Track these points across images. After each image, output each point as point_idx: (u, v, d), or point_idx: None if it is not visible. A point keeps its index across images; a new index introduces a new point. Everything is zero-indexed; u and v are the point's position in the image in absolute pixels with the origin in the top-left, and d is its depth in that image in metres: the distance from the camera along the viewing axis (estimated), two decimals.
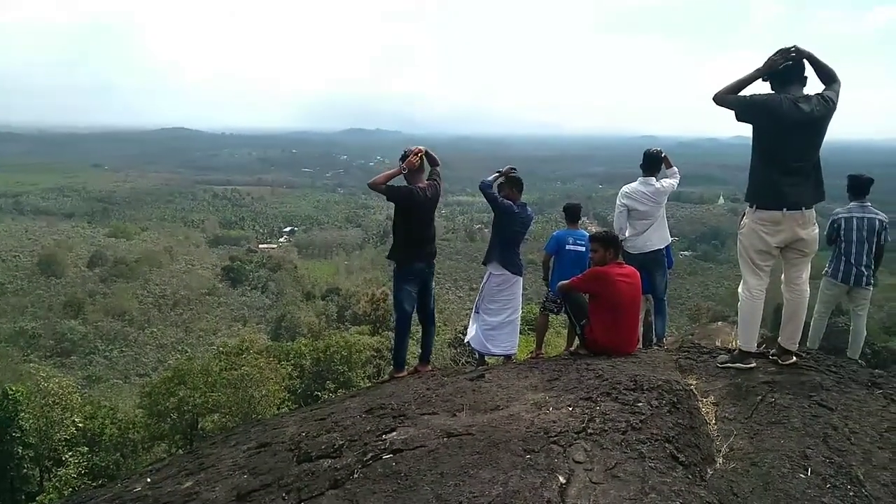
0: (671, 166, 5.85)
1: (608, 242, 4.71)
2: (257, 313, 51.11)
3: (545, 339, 6.51)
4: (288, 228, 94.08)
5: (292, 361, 15.63)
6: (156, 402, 13.23)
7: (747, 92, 3.79)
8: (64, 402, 13.30)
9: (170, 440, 13.40)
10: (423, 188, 5.01)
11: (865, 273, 5.40)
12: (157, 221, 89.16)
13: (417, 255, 5.08)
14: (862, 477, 2.46)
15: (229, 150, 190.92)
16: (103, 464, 12.74)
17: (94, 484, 10.18)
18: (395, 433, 3.01)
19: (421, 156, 5.07)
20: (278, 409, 12.59)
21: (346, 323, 34.56)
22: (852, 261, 5.40)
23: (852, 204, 5.43)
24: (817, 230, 3.87)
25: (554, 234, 6.21)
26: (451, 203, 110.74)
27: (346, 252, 79.40)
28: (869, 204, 5.43)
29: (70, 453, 12.50)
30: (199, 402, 12.73)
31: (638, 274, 4.85)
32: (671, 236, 6.41)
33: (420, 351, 5.54)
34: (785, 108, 3.61)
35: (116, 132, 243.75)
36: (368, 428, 3.16)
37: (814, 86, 3.77)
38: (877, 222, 5.38)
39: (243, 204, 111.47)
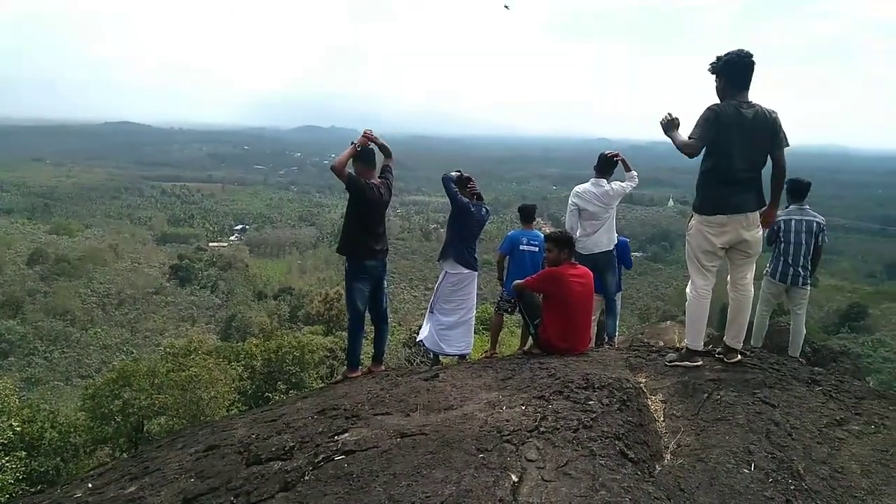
0: (630, 170, 5.96)
1: (563, 243, 4.76)
2: (206, 313, 49.89)
3: (500, 338, 6.56)
4: (239, 226, 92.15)
5: (243, 362, 15.32)
6: (99, 405, 12.78)
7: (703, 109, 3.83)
8: (0, 406, 12.71)
9: (114, 444, 12.96)
10: (376, 185, 4.98)
11: (802, 273, 5.64)
12: (101, 218, 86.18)
13: (369, 251, 5.03)
14: (802, 471, 2.55)
15: (179, 145, 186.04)
16: (43, 469, 12.22)
17: (32, 490, 9.75)
18: (347, 434, 2.97)
19: (372, 139, 5.04)
20: (228, 410, 12.31)
21: (298, 323, 34.07)
22: (790, 261, 5.64)
23: (792, 206, 5.66)
24: (761, 232, 3.99)
25: (508, 234, 6.26)
26: (407, 202, 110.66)
27: (300, 251, 78.30)
28: (807, 207, 5.67)
29: (7, 458, 11.94)
30: (145, 405, 12.35)
31: (591, 274, 4.92)
32: (624, 237, 6.56)
33: (373, 351, 5.49)
34: (730, 114, 3.70)
35: (59, 126, 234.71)
36: (320, 429, 3.11)
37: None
38: (815, 224, 5.62)
39: (193, 201, 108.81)
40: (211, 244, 77.84)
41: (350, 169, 4.91)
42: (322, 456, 2.71)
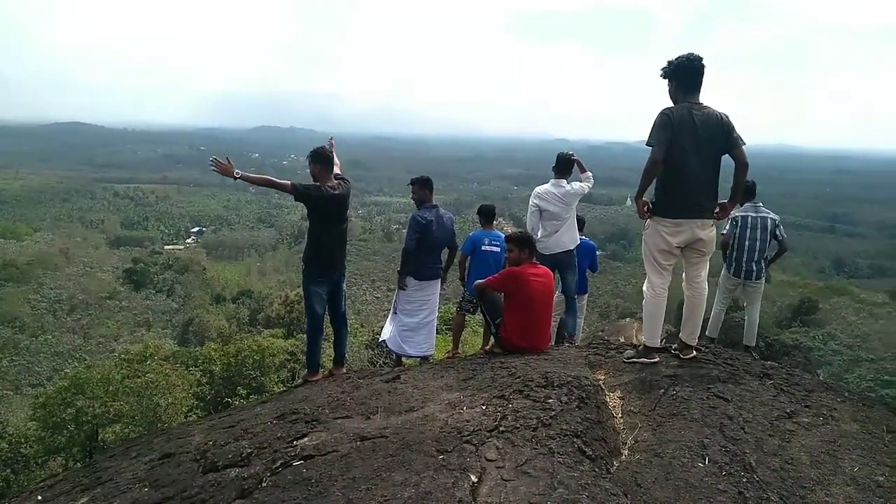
0: (584, 171, 6.04)
1: (523, 243, 4.79)
2: (163, 318, 48.64)
3: (462, 338, 6.57)
4: (196, 229, 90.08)
5: (201, 367, 14.93)
6: (51, 414, 12.33)
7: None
8: None
9: (67, 454, 12.53)
10: (332, 186, 4.92)
11: (756, 268, 5.86)
12: (51, 221, 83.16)
13: (329, 262, 4.99)
14: (754, 463, 2.62)
15: (132, 146, 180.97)
16: None
17: None
18: (306, 439, 2.93)
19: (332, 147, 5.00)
20: (186, 416, 12.02)
21: (258, 326, 33.48)
22: (746, 257, 5.84)
23: (747, 204, 5.86)
24: (715, 231, 4.09)
25: (470, 235, 6.27)
26: (368, 203, 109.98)
27: (259, 253, 76.90)
28: (761, 204, 5.89)
29: None
30: (100, 413, 11.96)
31: (551, 274, 4.97)
32: (592, 241, 6.66)
33: (334, 354, 5.44)
34: (683, 116, 3.77)
35: (5, 126, 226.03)
36: (279, 434, 3.07)
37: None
38: (769, 221, 5.85)
39: (147, 203, 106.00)
40: (166, 247, 75.92)
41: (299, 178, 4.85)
42: (280, 462, 2.67)
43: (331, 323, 5.40)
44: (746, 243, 5.84)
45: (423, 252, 5.63)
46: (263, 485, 2.49)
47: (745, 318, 6.22)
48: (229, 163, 4.44)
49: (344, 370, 5.35)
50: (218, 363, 14.75)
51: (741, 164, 3.97)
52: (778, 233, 5.90)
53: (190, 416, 12.10)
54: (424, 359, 5.78)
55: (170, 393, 12.45)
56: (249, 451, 2.88)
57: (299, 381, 5.35)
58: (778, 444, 2.86)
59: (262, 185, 4.79)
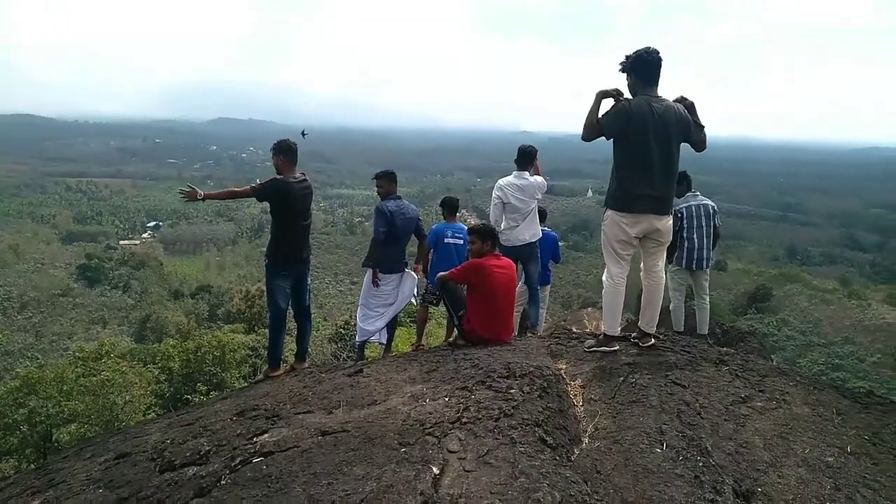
0: (538, 174, 6.08)
1: (485, 235, 4.81)
2: (119, 314, 47.45)
3: (426, 330, 6.57)
4: (152, 223, 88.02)
5: (159, 364, 14.62)
6: (2, 415, 11.94)
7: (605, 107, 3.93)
8: None
9: (19, 455, 12.15)
10: (296, 178, 4.87)
11: (706, 256, 5.98)
12: (0, 217, 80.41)
13: (293, 256, 4.94)
14: (710, 448, 2.68)
15: (84, 139, 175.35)
16: None
17: None
18: (267, 435, 2.89)
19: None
20: (145, 415, 11.76)
21: (218, 322, 32.98)
22: (694, 247, 5.96)
23: (687, 195, 5.96)
24: (671, 221, 4.17)
25: (433, 227, 6.26)
26: (331, 196, 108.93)
27: (218, 247, 75.62)
28: (698, 193, 6.00)
29: None
30: (54, 412, 11.62)
31: (514, 265, 5.00)
32: (554, 232, 6.72)
33: (297, 348, 5.39)
34: (643, 109, 3.82)
35: None
36: (239, 431, 3.01)
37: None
38: (710, 208, 5.98)
39: (101, 197, 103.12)
40: (122, 242, 74.05)
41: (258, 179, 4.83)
42: (240, 458, 2.62)
43: (294, 318, 5.34)
44: (695, 233, 5.96)
45: (388, 244, 5.61)
46: (222, 483, 2.44)
47: (697, 306, 6.36)
48: (193, 189, 4.56)
49: (306, 365, 5.31)
50: (177, 360, 14.45)
51: (699, 140, 4.02)
52: (716, 221, 6.05)
53: (148, 414, 11.85)
54: (387, 347, 5.83)
55: (127, 391, 12.15)
56: (208, 448, 2.82)
57: (260, 376, 5.29)
58: (733, 428, 2.94)
59: (226, 199, 4.86)
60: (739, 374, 3.76)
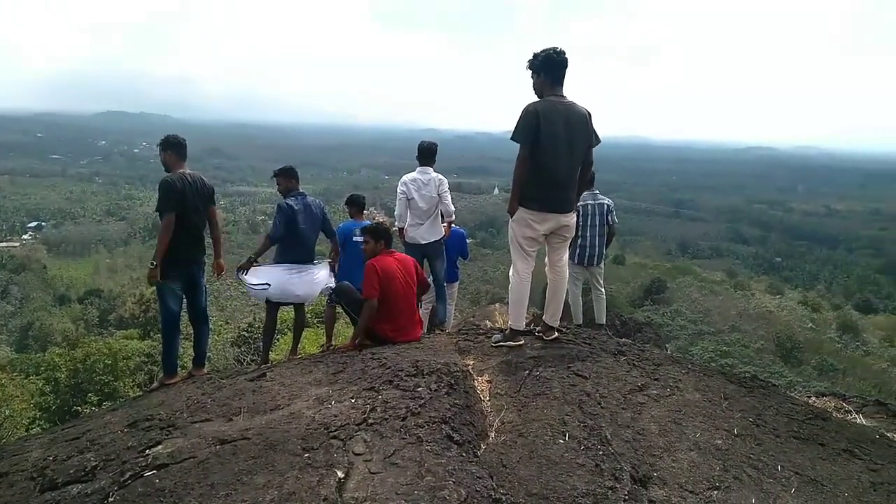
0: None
1: (379, 234, 4.77)
2: None
3: (335, 330, 6.45)
4: (34, 223, 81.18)
5: (44, 375, 13.62)
6: None
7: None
8: None
9: None
10: (185, 174, 4.64)
11: (598, 253, 6.28)
12: None
13: (185, 255, 4.69)
14: (609, 436, 2.78)
15: None
16: None
17: None
18: (160, 446, 2.72)
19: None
20: (28, 430, 10.89)
21: (110, 328, 31.03)
22: (586, 244, 6.23)
23: (585, 193, 6.19)
24: (575, 216, 4.30)
25: (340, 225, 6.15)
26: (231, 193, 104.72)
27: (108, 249, 70.91)
28: (598, 192, 6.26)
29: None
30: None
31: (410, 260, 4.97)
32: (462, 229, 6.78)
33: (194, 353, 5.13)
34: (550, 110, 3.90)
35: None
36: (130, 443, 2.82)
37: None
38: (605, 206, 6.26)
39: None
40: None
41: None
42: (130, 473, 2.46)
43: (190, 321, 5.09)
44: (588, 231, 6.23)
45: (292, 244, 5.43)
46: (110, 500, 2.28)
47: (594, 300, 6.65)
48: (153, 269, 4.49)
49: (205, 371, 5.07)
50: (63, 370, 13.49)
51: (588, 163, 4.19)
52: (610, 218, 6.34)
53: (31, 429, 10.97)
54: (292, 349, 5.67)
55: (7, 405, 11.22)
56: (95, 463, 2.63)
57: (156, 384, 5.00)
58: (630, 416, 3.06)
59: (165, 245, 4.52)
60: (636, 363, 3.93)
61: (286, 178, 5.49)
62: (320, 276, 5.59)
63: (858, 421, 3.72)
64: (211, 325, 5.37)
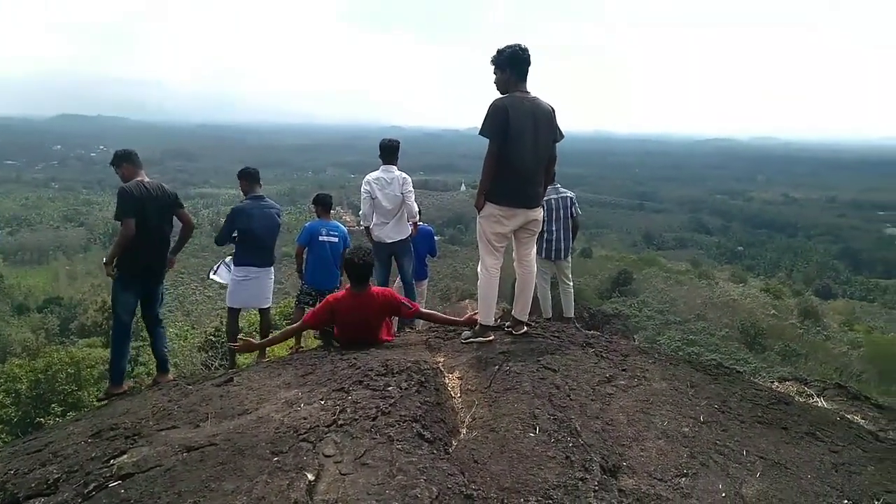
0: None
1: (349, 269, 4.39)
2: None
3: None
4: None
5: (4, 387, 13.22)
6: None
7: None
8: None
9: None
10: (144, 183, 4.58)
11: (564, 247, 6.35)
12: None
13: (143, 264, 4.62)
14: (579, 428, 2.80)
15: None
16: None
17: None
18: (125, 456, 2.65)
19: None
20: None
21: (72, 336, 30.23)
22: (553, 238, 6.29)
23: (549, 188, 6.26)
24: (543, 211, 4.34)
25: (306, 225, 6.12)
26: (193, 196, 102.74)
27: (67, 255, 68.86)
28: (559, 185, 6.31)
29: None
30: None
31: (381, 299, 4.46)
32: (429, 226, 6.77)
33: (156, 359, 5.02)
34: (516, 105, 3.92)
35: None
36: (94, 454, 2.75)
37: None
38: (568, 199, 6.33)
39: None
40: None
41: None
42: (94, 484, 2.38)
43: (145, 327, 5.01)
44: (554, 225, 6.29)
45: (246, 248, 5.42)
46: None
47: (561, 293, 6.72)
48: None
49: (170, 377, 4.96)
50: (24, 381, 13.11)
51: (553, 158, 4.23)
52: (573, 211, 6.40)
53: None
54: (261, 353, 5.60)
55: None
56: (57, 476, 2.55)
57: (101, 395, 4.91)
58: (599, 407, 3.09)
59: (121, 248, 4.54)
60: (604, 355, 3.97)
61: (243, 179, 5.50)
62: (270, 282, 5.67)
63: (820, 404, 3.83)
64: (177, 331, 5.28)
